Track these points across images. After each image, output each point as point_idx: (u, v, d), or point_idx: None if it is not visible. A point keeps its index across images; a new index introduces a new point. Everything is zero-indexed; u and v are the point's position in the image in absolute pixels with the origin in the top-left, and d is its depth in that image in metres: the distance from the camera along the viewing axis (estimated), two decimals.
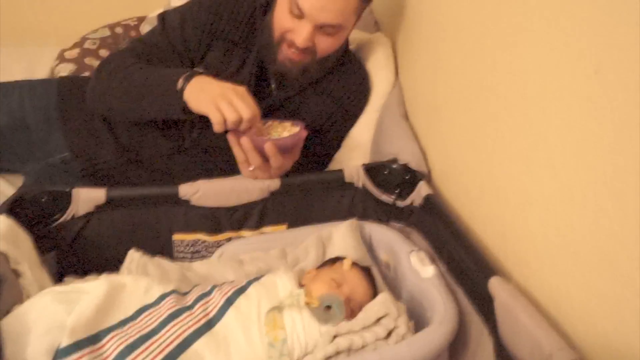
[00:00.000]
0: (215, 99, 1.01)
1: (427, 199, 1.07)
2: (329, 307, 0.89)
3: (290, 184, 1.15)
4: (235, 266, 1.09)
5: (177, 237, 1.13)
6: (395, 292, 1.05)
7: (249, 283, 0.96)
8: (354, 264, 1.00)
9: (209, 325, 0.86)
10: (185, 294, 0.95)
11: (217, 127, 1.01)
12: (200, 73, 1.08)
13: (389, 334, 0.86)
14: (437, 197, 1.08)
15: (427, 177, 1.15)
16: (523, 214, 0.82)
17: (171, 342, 0.82)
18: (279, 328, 0.87)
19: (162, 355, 0.80)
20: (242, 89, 1.05)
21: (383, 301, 0.90)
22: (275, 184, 1.14)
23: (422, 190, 1.09)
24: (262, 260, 1.10)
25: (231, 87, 1.04)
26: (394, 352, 0.80)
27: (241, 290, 0.93)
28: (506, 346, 0.77)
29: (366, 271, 1.01)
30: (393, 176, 1.16)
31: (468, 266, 0.90)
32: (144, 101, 1.09)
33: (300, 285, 0.97)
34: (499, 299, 0.79)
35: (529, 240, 0.81)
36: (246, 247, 1.14)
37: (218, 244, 1.15)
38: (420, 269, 0.98)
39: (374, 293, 0.98)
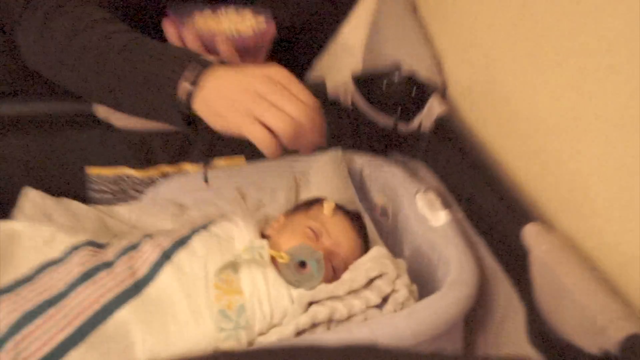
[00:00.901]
0: (247, 105, 0.86)
1: (441, 122, 1.06)
2: (302, 264, 0.90)
3: None
4: (174, 211, 1.09)
5: (93, 171, 1.13)
6: (395, 245, 1.06)
7: (193, 232, 0.96)
8: (338, 208, 1.00)
9: (137, 287, 0.87)
10: (105, 246, 0.96)
11: (268, 152, 0.88)
12: (209, 64, 0.92)
13: (385, 300, 0.87)
14: (455, 120, 1.07)
15: (442, 93, 1.14)
16: (573, 144, 0.82)
17: (84, 309, 0.82)
18: (235, 292, 0.87)
19: (71, 328, 0.80)
20: (280, 72, 0.90)
21: (377, 257, 0.90)
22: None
23: (433, 109, 1.07)
24: (212, 204, 1.10)
25: (263, 73, 0.89)
26: (391, 325, 0.80)
27: (182, 242, 0.94)
28: (545, 316, 0.77)
29: (354, 218, 1.02)
30: (394, 90, 1.15)
31: (494, 211, 0.90)
32: (127, 99, 0.99)
33: (264, 236, 0.97)
34: (537, 253, 0.79)
35: (580, 179, 0.81)
36: (190, 186, 1.14)
37: (150, 181, 1.16)
38: (429, 214, 0.98)
39: (365, 247, 0.99)
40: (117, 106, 1.00)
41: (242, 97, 0.85)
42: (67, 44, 0.98)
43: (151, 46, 0.94)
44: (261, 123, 0.84)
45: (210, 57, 0.91)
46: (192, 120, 0.92)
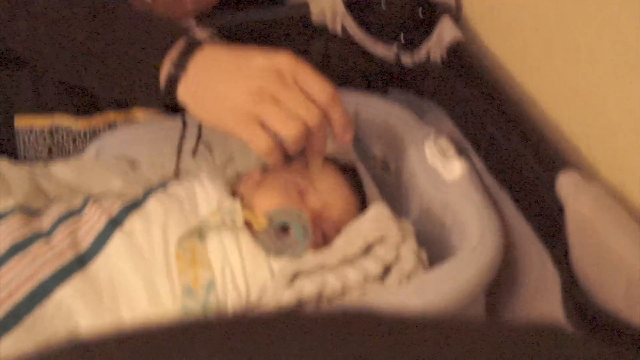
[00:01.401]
0: (248, 105, 0.86)
1: (455, 51, 1.05)
2: (284, 229, 0.90)
3: (220, 27, 1.12)
4: (123, 169, 1.09)
5: (22, 121, 1.13)
6: (399, 205, 1.06)
7: (148, 194, 0.96)
8: (327, 160, 0.99)
9: (81, 262, 0.88)
10: (39, 212, 0.96)
11: (270, 161, 0.91)
12: (200, 43, 0.91)
13: (387, 270, 0.87)
14: (472, 48, 1.06)
15: (455, 15, 1.12)
16: (623, 81, 0.80)
17: (17, 288, 0.83)
18: (202, 264, 0.88)
19: (2, 310, 0.81)
20: (291, 62, 0.89)
21: (377, 218, 0.90)
22: (193, 26, 1.12)
23: (445, 35, 1.06)
24: (169, 159, 1.09)
25: (271, 65, 0.88)
26: (396, 301, 0.81)
27: (135, 206, 0.94)
28: (585, 284, 0.77)
29: (348, 172, 1.02)
30: (394, 12, 1.14)
31: (521, 158, 0.89)
32: (95, 80, 0.99)
33: (236, 195, 0.97)
34: (575, 207, 0.78)
35: (627, 121, 0.80)
36: (142, 137, 1.14)
37: (93, 133, 1.16)
38: (441, 166, 0.98)
39: (362, 207, 0.99)
40: (82, 84, 1.00)
41: (242, 93, 0.85)
42: (16, 4, 0.97)
43: (127, 16, 0.93)
44: (262, 124, 0.85)
45: (203, 35, 0.91)
46: (176, 108, 0.92)
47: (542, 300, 0.87)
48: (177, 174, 1.02)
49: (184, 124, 0.98)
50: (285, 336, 0.35)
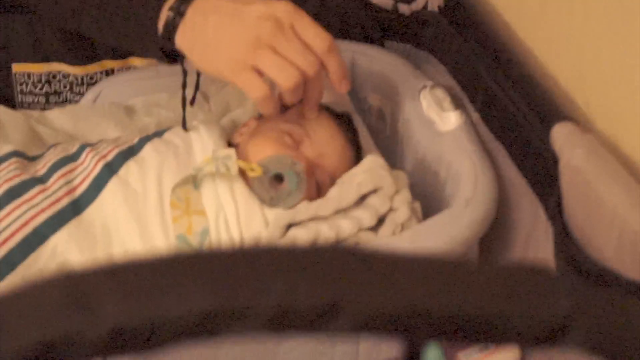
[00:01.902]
0: (244, 53, 0.86)
1: (453, 1, 1.05)
2: (279, 178, 0.90)
3: None
4: (120, 115, 1.09)
5: (19, 68, 1.12)
6: (394, 156, 1.05)
7: (143, 141, 0.96)
8: (323, 109, 0.98)
9: (76, 208, 0.88)
10: (35, 158, 0.96)
11: (265, 110, 0.91)
12: None
13: (381, 221, 0.86)
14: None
15: None
16: (612, 33, 0.80)
17: (12, 234, 0.84)
18: (196, 212, 0.88)
19: None
20: (289, 10, 0.88)
21: (371, 168, 0.90)
22: None
23: None
24: (166, 106, 1.10)
25: (269, 13, 0.87)
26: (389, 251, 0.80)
27: (130, 152, 0.94)
28: (577, 235, 0.76)
29: (343, 121, 1.01)
30: None
31: (518, 110, 0.88)
32: (94, 26, 1.00)
33: (231, 145, 0.97)
34: (569, 158, 0.77)
35: (622, 73, 0.79)
36: (138, 84, 1.14)
37: (91, 80, 1.15)
38: (436, 116, 0.97)
39: (357, 157, 0.98)
40: (80, 30, 1.00)
41: (239, 41, 0.86)
42: None
43: None
44: (258, 71, 0.85)
45: None
46: (174, 55, 0.92)
47: (534, 251, 0.87)
48: (184, 125, 1.01)
49: (185, 72, 0.97)
50: (263, 263, 0.35)
